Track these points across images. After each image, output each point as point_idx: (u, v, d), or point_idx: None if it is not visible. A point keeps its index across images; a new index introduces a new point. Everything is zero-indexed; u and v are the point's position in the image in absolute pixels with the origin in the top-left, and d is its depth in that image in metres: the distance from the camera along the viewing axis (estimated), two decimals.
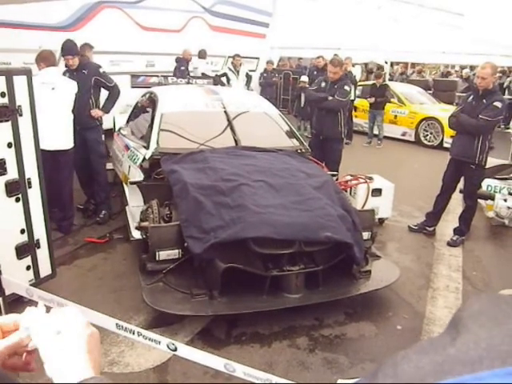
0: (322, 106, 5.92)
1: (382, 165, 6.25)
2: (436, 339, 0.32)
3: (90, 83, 4.97)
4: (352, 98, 6.10)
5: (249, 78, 11.06)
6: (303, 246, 3.39)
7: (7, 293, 2.01)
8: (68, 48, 4.89)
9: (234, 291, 3.39)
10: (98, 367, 0.67)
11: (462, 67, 16.06)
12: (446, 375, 0.27)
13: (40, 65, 4.55)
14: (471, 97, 5.07)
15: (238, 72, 10.70)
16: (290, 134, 5.17)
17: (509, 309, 0.33)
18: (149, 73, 8.25)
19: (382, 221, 5.52)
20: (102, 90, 5.27)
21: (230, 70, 10.68)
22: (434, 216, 5.51)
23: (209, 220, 3.40)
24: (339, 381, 2.63)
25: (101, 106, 5.28)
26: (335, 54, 11.81)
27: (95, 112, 5.08)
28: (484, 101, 4.86)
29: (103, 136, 5.86)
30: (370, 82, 11.28)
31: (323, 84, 6.04)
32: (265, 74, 12.37)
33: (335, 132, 5.96)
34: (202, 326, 3.39)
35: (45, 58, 4.56)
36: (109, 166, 5.87)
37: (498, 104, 4.81)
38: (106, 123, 6.45)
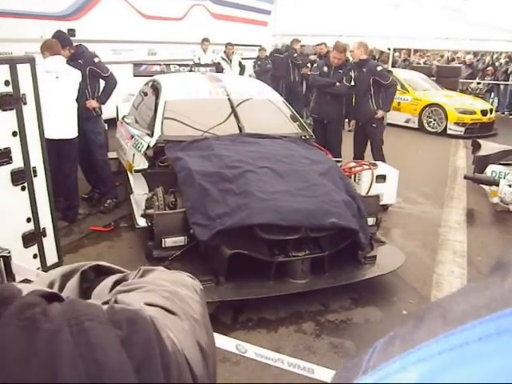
0: (331, 91, 5.97)
1: (385, 151, 6.22)
2: (482, 281, 0.32)
3: (86, 73, 4.94)
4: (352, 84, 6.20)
5: (242, 66, 10.98)
6: (309, 232, 3.40)
7: (18, 279, 2.03)
8: (61, 39, 4.86)
9: (240, 277, 3.40)
10: None
11: (467, 52, 15.90)
12: (502, 307, 0.27)
13: (45, 53, 4.55)
14: None
15: (230, 61, 10.63)
16: (294, 121, 5.17)
17: None
18: (151, 61, 8.23)
19: (386, 207, 5.51)
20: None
21: (223, 59, 10.57)
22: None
23: (214, 207, 3.40)
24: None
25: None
26: (337, 41, 11.77)
27: (90, 103, 5.04)
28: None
29: (106, 126, 5.86)
30: None
31: (325, 69, 6.05)
32: (259, 62, 12.26)
33: (339, 114, 6.15)
34: (208, 312, 3.40)
35: (49, 47, 4.56)
36: (112, 154, 5.87)
37: None
38: (110, 112, 6.45)
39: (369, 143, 6.28)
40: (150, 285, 0.59)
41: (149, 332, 0.45)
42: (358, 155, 6.20)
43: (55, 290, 0.61)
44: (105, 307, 0.47)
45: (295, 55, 10.78)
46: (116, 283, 0.62)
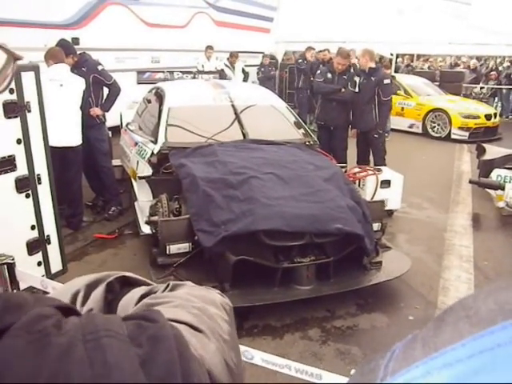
0: (337, 97, 5.98)
1: (389, 157, 6.22)
2: (510, 280, 0.30)
3: (89, 81, 4.95)
4: (357, 90, 6.21)
5: (245, 73, 11.04)
6: (314, 238, 3.38)
7: (22, 286, 2.01)
8: (65, 47, 4.88)
9: (245, 284, 3.38)
10: None
11: (471, 57, 15.87)
12: None
13: (49, 62, 4.57)
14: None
15: (233, 68, 10.69)
16: (298, 127, 5.17)
17: None
18: (154, 69, 8.28)
19: (391, 212, 5.48)
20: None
21: (227, 66, 10.64)
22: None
23: (219, 213, 3.39)
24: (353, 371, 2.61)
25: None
26: (340, 48, 11.79)
27: (93, 111, 5.04)
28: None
29: (110, 133, 5.87)
30: None
31: (329, 75, 6.05)
32: (262, 69, 12.31)
33: (345, 120, 6.15)
34: None
35: (53, 55, 4.58)
36: (116, 162, 5.88)
37: None
38: (114, 119, 6.46)
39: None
40: (178, 300, 0.57)
41: (170, 351, 0.42)
42: (362, 161, 6.18)
43: (79, 300, 0.58)
44: (129, 322, 0.44)
45: (299, 61, 10.95)
46: (143, 297, 0.59)
